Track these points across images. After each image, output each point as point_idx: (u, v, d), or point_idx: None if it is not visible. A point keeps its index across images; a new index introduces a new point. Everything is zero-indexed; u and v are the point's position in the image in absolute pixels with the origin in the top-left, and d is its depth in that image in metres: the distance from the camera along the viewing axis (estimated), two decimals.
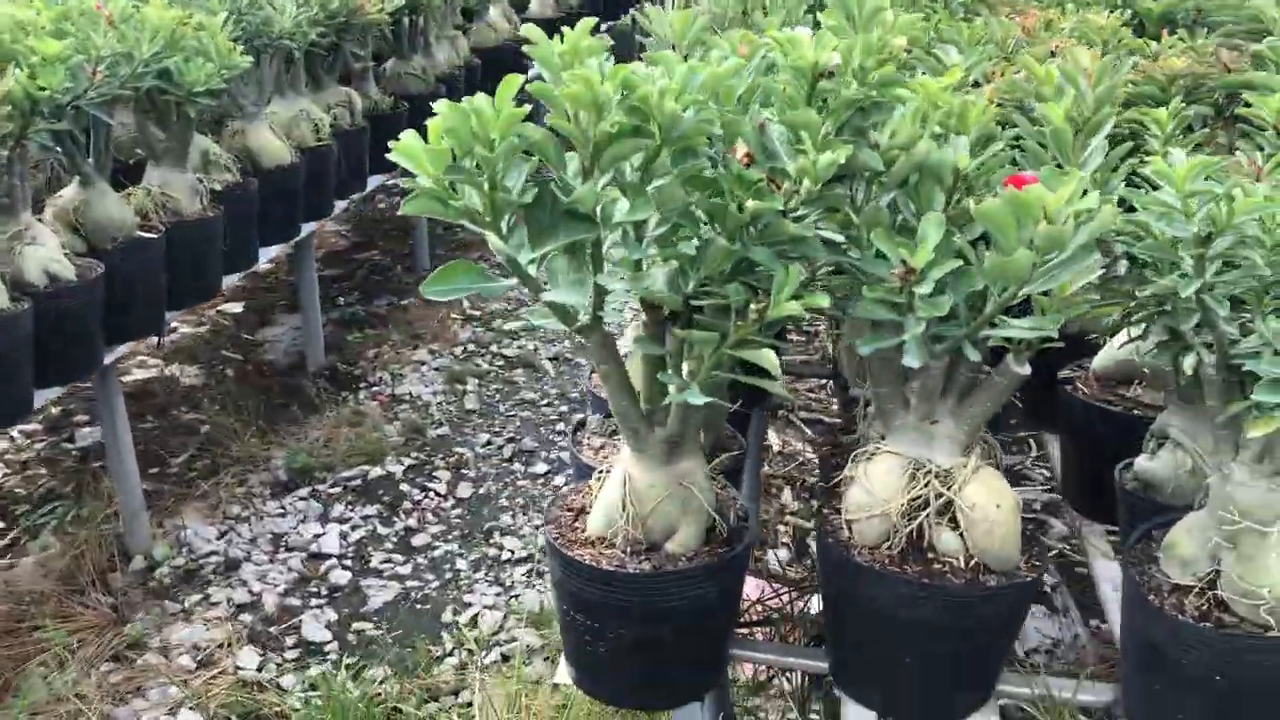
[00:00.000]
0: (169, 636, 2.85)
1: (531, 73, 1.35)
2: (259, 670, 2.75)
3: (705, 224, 1.38)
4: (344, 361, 4.36)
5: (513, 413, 4.08)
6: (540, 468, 3.70)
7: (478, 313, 4.87)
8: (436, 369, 4.36)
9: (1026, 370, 1.44)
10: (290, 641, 2.87)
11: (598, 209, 1.31)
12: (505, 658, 2.80)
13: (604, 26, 8.66)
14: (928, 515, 1.49)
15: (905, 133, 1.39)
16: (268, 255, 3.58)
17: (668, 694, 1.61)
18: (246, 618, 2.94)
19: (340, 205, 4.07)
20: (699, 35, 1.96)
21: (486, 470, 3.70)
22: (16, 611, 2.89)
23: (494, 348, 4.57)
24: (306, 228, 3.78)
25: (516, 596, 3.03)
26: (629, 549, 1.52)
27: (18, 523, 3.33)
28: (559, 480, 3.62)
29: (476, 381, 4.27)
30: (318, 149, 3.74)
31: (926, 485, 1.49)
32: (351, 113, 4.07)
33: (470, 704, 2.62)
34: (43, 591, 2.96)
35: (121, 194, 2.86)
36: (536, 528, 3.36)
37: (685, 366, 1.46)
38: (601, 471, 1.63)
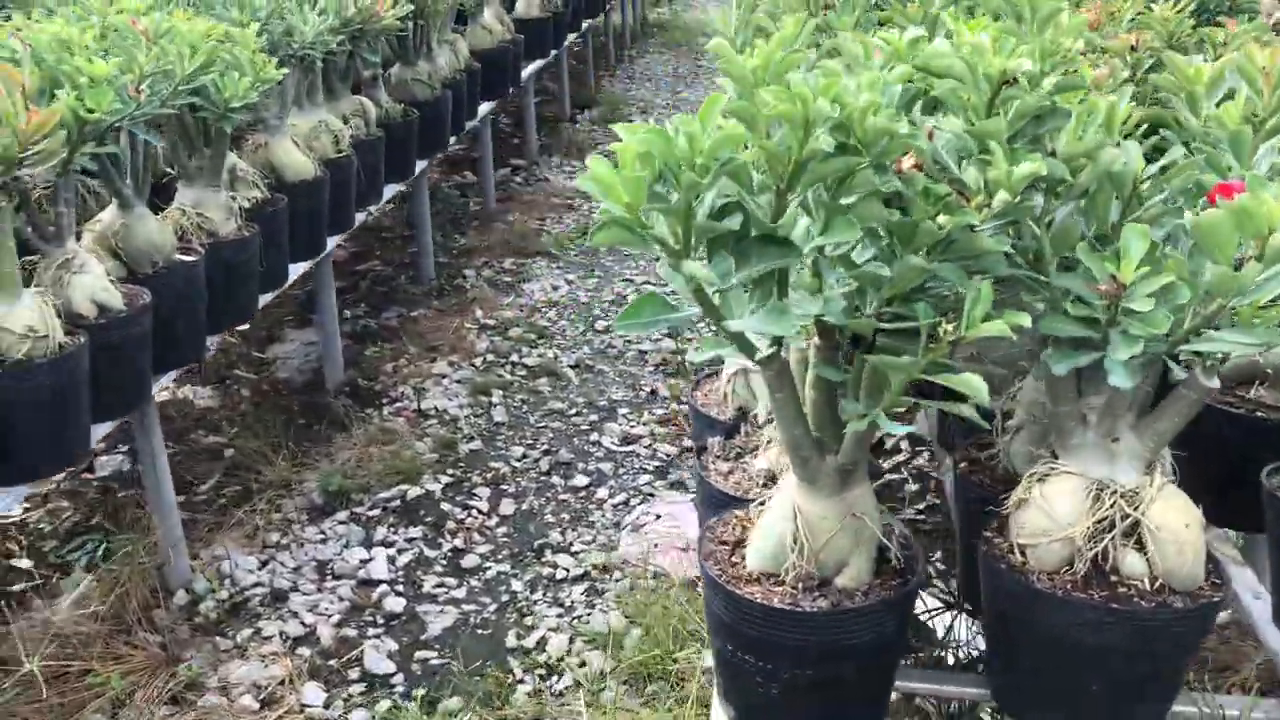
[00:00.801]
0: (227, 675, 2.74)
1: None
2: (326, 707, 2.65)
3: (885, 242, 1.31)
4: (363, 377, 4.24)
5: (543, 424, 3.99)
6: (580, 480, 3.62)
7: (492, 322, 4.77)
8: (459, 381, 4.25)
9: (1216, 384, 1.38)
10: (353, 675, 2.77)
11: (793, 233, 1.23)
12: (577, 682, 2.72)
13: (585, 25, 8.59)
14: (1113, 537, 1.43)
15: (1090, 139, 1.33)
16: (297, 272, 3.46)
17: None
18: (304, 651, 2.83)
19: (359, 218, 3.95)
20: (810, 38, 1.89)
21: (526, 485, 3.61)
22: (62, 654, 2.77)
23: (514, 357, 4.47)
24: (330, 242, 3.66)
25: (579, 618, 2.95)
26: (800, 585, 1.45)
27: (46, 560, 3.20)
28: (602, 493, 3.54)
29: (501, 393, 4.18)
30: (338, 160, 3.63)
31: (1112, 506, 1.43)
32: (366, 122, 3.96)
33: None
34: (87, 633, 2.83)
35: (158, 216, 2.73)
36: (588, 544, 3.28)
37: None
38: (758, 504, 1.56)
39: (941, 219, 1.26)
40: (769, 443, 1.77)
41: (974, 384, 1.25)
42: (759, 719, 1.53)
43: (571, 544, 3.29)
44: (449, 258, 5.50)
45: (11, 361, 2.14)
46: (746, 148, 1.20)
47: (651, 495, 3.52)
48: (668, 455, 3.75)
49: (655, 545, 3.21)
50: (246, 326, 4.65)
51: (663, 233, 1.18)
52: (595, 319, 4.86)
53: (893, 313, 1.32)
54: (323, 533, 3.34)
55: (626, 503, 3.49)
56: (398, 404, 4.08)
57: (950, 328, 1.28)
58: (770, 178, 1.22)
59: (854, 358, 1.40)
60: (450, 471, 3.66)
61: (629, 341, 4.64)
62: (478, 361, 4.42)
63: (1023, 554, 1.49)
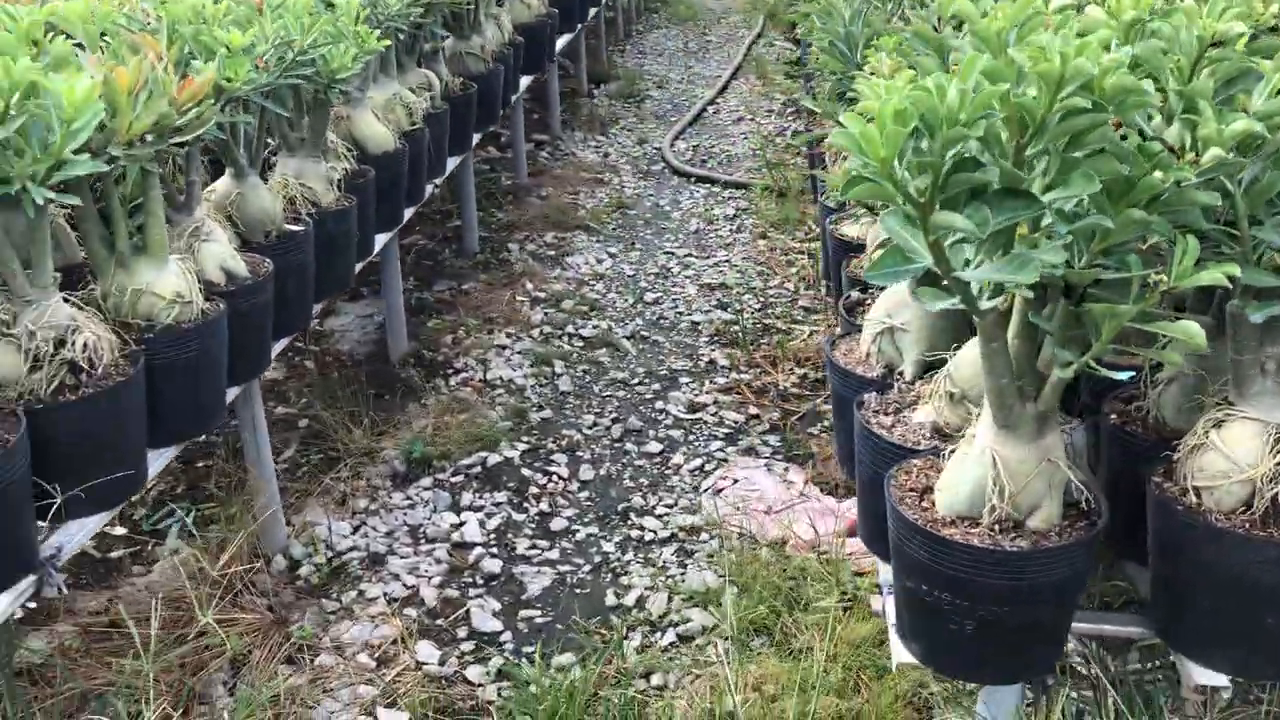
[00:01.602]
0: (339, 635, 2.81)
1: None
2: (441, 664, 2.72)
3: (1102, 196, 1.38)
4: (426, 348, 4.29)
5: (608, 393, 4.06)
6: (653, 447, 3.69)
7: (543, 295, 4.83)
8: (520, 353, 4.31)
9: None
10: (462, 633, 2.84)
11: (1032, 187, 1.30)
12: (681, 638, 2.80)
13: (591, 12, 8.60)
14: None
15: None
16: (380, 242, 3.51)
17: (1027, 666, 1.62)
18: (411, 612, 2.90)
19: (427, 190, 3.99)
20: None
21: (600, 452, 3.68)
22: (174, 617, 2.82)
23: (569, 329, 4.53)
24: (407, 213, 3.71)
25: (673, 577, 3.03)
26: (998, 526, 1.53)
27: (137, 527, 3.25)
28: (676, 459, 3.61)
29: (563, 363, 4.24)
30: (412, 132, 3.67)
31: None
32: (432, 95, 4.00)
33: (663, 687, 2.62)
34: (194, 597, 2.89)
35: (267, 186, 2.78)
36: (671, 508, 3.36)
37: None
38: (945, 451, 1.63)
39: (1158, 174, 1.33)
40: (930, 396, 1.84)
41: (1191, 330, 1.33)
42: (948, 654, 1.62)
43: (654, 507, 3.37)
44: (489, 232, 5.54)
45: (161, 326, 2.19)
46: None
47: (725, 460, 3.60)
48: (735, 422, 3.83)
49: (737, 508, 3.29)
50: None
51: (920, 186, 1.25)
52: (643, 291, 4.93)
53: (1101, 264, 1.40)
54: (409, 498, 3.40)
55: (702, 468, 3.57)
56: (463, 374, 4.13)
57: (1163, 277, 1.35)
58: (1010, 134, 1.29)
59: (1056, 309, 1.47)
60: (525, 439, 3.72)
61: (680, 313, 4.71)
62: (535, 333, 4.48)
63: (1198, 495, 1.58)
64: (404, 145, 3.52)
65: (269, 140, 2.90)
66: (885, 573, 1.82)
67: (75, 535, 1.97)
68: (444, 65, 4.29)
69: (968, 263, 1.37)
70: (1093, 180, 1.27)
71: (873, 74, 2.30)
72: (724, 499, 3.35)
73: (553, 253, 5.33)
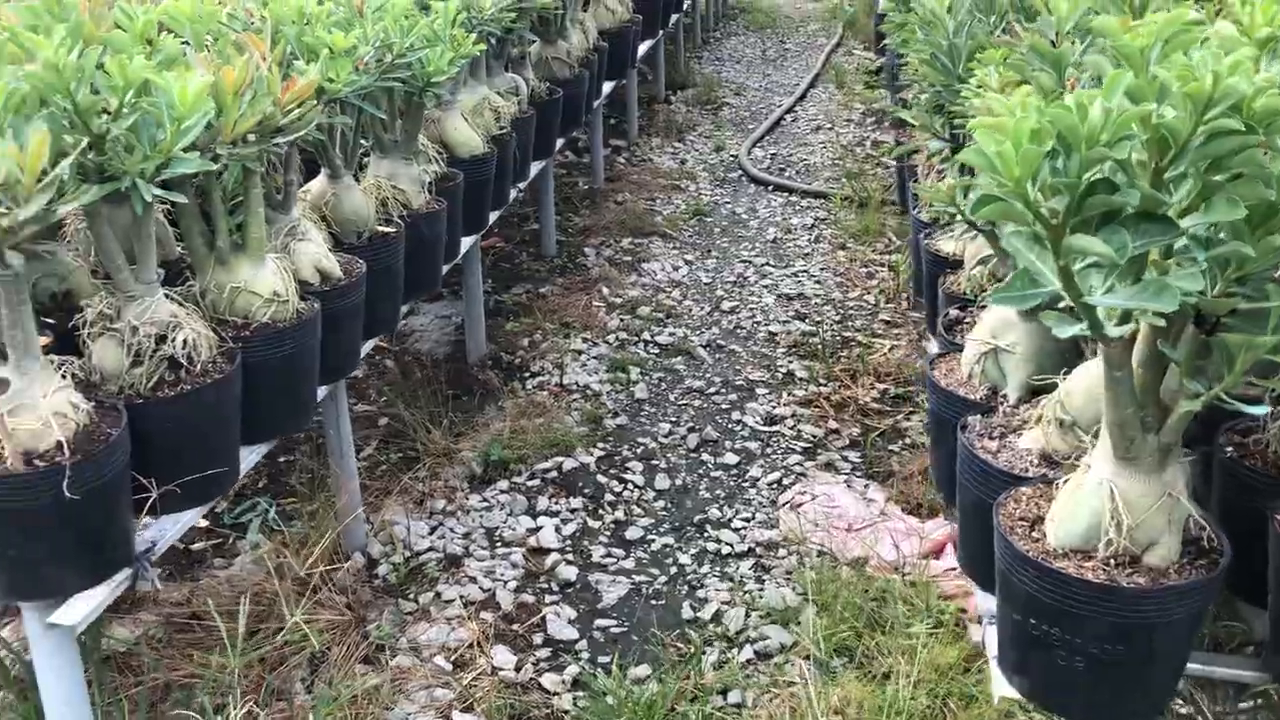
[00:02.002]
0: (415, 637, 2.81)
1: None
2: (517, 670, 2.71)
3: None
4: (503, 351, 4.30)
5: (683, 402, 4.03)
6: (730, 459, 3.65)
7: (619, 300, 4.81)
8: (596, 358, 4.30)
9: None
10: (538, 639, 2.83)
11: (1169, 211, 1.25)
12: (759, 655, 2.76)
13: (686, 4, 8.60)
14: None
15: None
16: (466, 245, 3.52)
17: (1138, 708, 1.56)
18: (487, 616, 2.90)
19: (511, 194, 4.00)
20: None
21: (676, 461, 3.65)
22: (254, 612, 2.85)
23: (645, 336, 4.51)
24: (491, 217, 3.72)
25: (750, 593, 2.99)
26: (1113, 562, 1.47)
27: (219, 520, 3.29)
28: (754, 471, 3.57)
29: (639, 370, 4.22)
30: (500, 137, 3.68)
31: None
32: (519, 99, 4.01)
33: (741, 705, 2.58)
34: (274, 591, 2.91)
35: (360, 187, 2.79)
36: (748, 521, 3.32)
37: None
38: (1057, 480, 1.58)
39: None
40: (1038, 421, 1.79)
41: None
42: (1055, 691, 1.56)
43: (731, 520, 3.33)
44: (566, 236, 5.55)
45: (258, 324, 2.20)
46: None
47: (803, 475, 3.55)
48: (814, 436, 3.78)
49: (816, 524, 3.25)
50: None
51: (1054, 207, 1.21)
52: (720, 299, 4.89)
53: (1237, 293, 1.34)
54: (486, 500, 3.40)
55: (779, 481, 3.52)
56: (539, 378, 4.13)
57: None
58: (1150, 155, 1.24)
59: (1185, 339, 1.41)
60: (601, 445, 3.71)
61: (758, 323, 4.66)
62: (611, 339, 4.47)
63: None
64: (491, 149, 3.53)
65: (363, 141, 2.92)
66: (985, 601, 1.77)
67: (169, 530, 1.99)
68: (530, 70, 4.30)
69: (1093, 288, 1.32)
70: (1237, 206, 1.22)
71: (980, 88, 2.25)
72: (803, 514, 3.31)
73: (629, 258, 5.32)
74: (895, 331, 4.57)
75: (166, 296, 2.02)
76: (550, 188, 5.12)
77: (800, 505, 3.36)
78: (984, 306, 2.33)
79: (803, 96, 8.49)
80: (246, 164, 2.10)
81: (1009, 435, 1.83)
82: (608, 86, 5.54)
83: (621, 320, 4.63)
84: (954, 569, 2.96)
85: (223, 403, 2.02)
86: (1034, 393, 1.92)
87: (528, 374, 4.17)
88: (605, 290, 4.90)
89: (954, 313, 2.34)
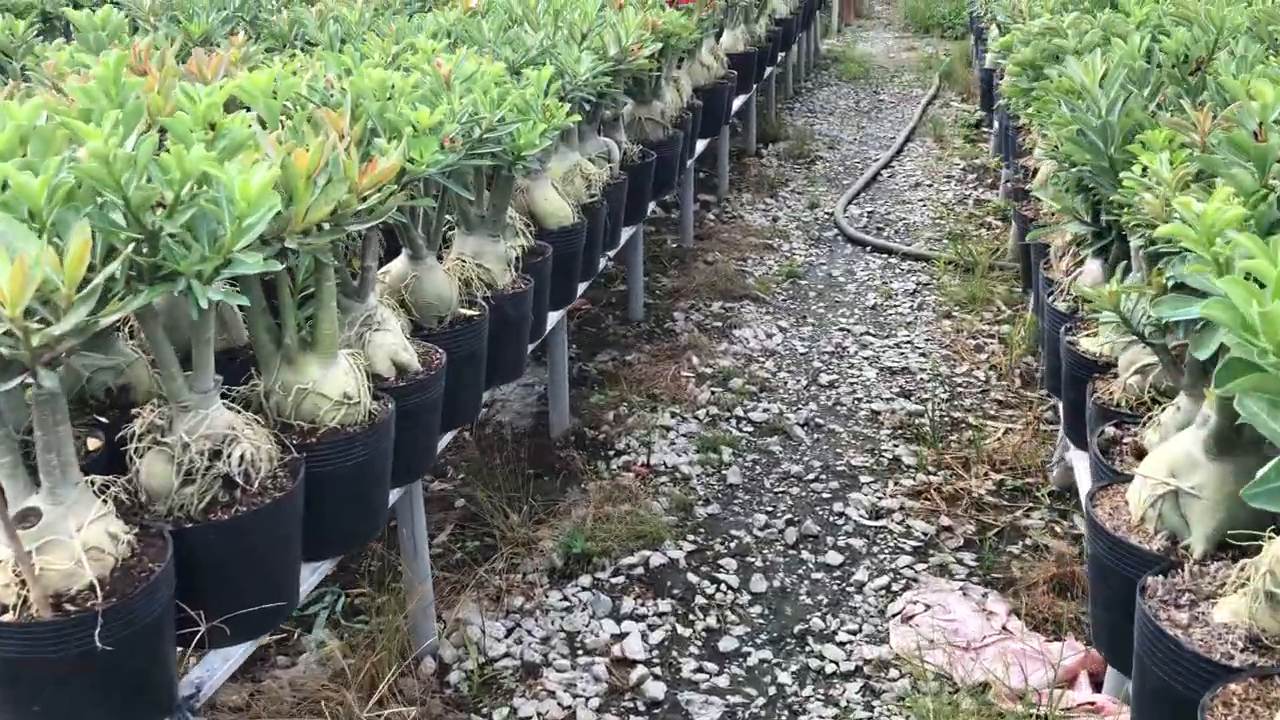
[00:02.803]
0: None
1: None
2: None
3: None
4: (587, 425, 4.07)
5: (780, 489, 3.75)
6: (833, 558, 3.35)
7: (709, 371, 4.56)
8: (685, 436, 4.04)
9: None
10: None
11: None
12: None
13: (780, 56, 8.39)
14: None
15: None
16: (553, 321, 3.30)
17: None
18: None
19: (601, 263, 3.78)
20: None
21: (774, 559, 3.36)
22: None
23: (738, 411, 4.24)
24: (580, 288, 3.50)
25: None
26: None
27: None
28: (859, 575, 3.26)
29: (731, 451, 3.95)
30: (591, 205, 3.47)
31: None
32: (611, 164, 3.79)
33: None
34: (340, 701, 2.68)
35: (444, 268, 2.59)
36: (854, 634, 3.02)
37: None
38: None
39: None
40: (1237, 590, 1.48)
41: None
42: None
43: (835, 632, 3.03)
44: (653, 298, 5.32)
45: (326, 430, 1.99)
46: None
47: (914, 580, 3.24)
48: (924, 534, 3.46)
49: (931, 640, 2.93)
50: None
51: None
52: (817, 372, 4.61)
53: None
54: (567, 599, 3.15)
55: (888, 587, 3.21)
56: (625, 457, 3.89)
57: None
58: None
59: None
60: (691, 538, 3.44)
61: (859, 400, 4.37)
62: (701, 414, 4.21)
63: None
64: (581, 220, 3.32)
65: (447, 217, 2.72)
66: None
67: (217, 671, 1.77)
68: (623, 132, 4.09)
69: None
70: None
71: (1146, 175, 1.96)
72: (915, 628, 2.99)
73: (719, 324, 5.06)
74: (1009, 413, 4.24)
75: (225, 405, 1.81)
76: (639, 249, 4.90)
77: (912, 617, 3.05)
78: (1145, 424, 2.02)
79: (899, 151, 8.20)
80: (318, 256, 1.89)
81: (1200, 604, 1.53)
82: (701, 144, 5.32)
83: (712, 393, 4.37)
84: (1092, 704, 2.63)
85: (282, 526, 1.81)
86: (1224, 546, 1.62)
87: (612, 452, 3.92)
88: (695, 359, 4.65)
89: (1111, 431, 2.04)
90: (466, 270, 2.67)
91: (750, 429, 4.14)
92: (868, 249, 6.14)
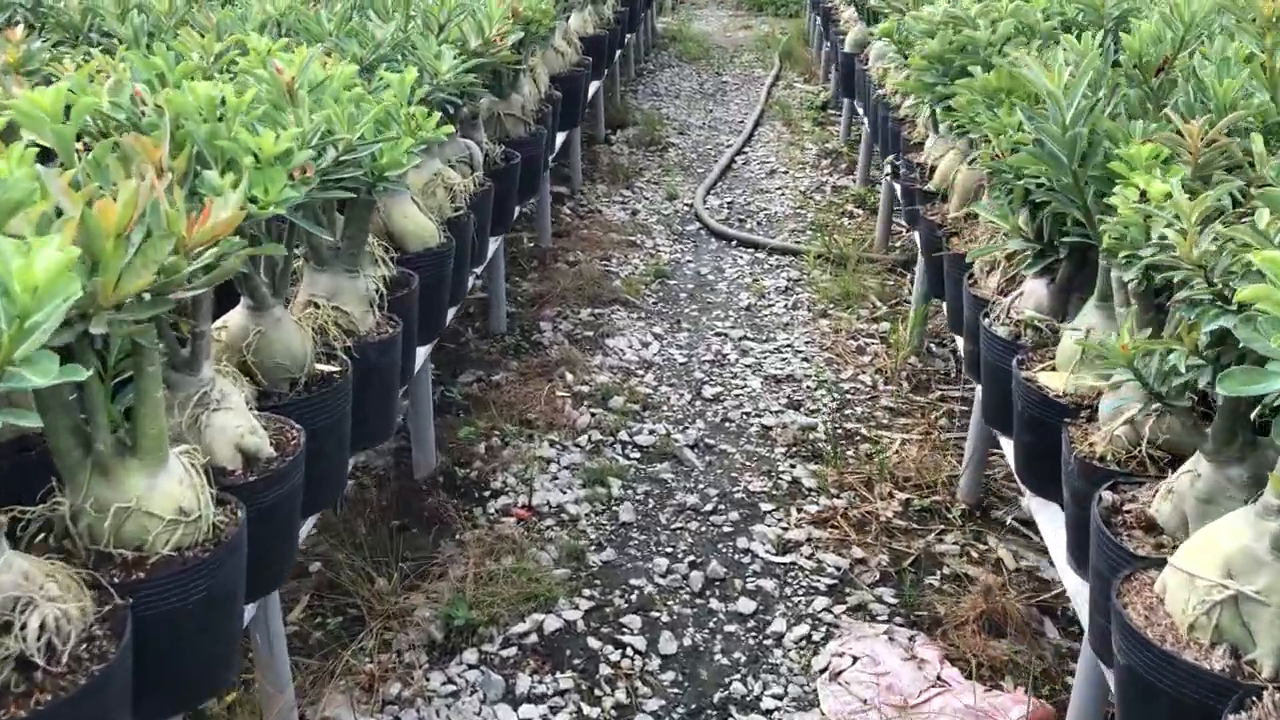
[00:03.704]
0: None
1: None
2: None
3: None
4: (457, 463, 3.63)
5: (678, 525, 3.41)
6: (745, 605, 3.03)
7: (586, 389, 4.17)
8: (568, 468, 3.66)
9: None
10: None
11: None
12: None
13: (628, 39, 8.02)
14: None
15: None
16: (421, 358, 2.86)
17: None
18: None
19: (470, 282, 3.34)
20: None
21: (681, 611, 3.02)
22: None
23: (622, 435, 3.88)
24: (450, 314, 3.06)
25: None
26: None
27: None
28: (776, 624, 2.95)
29: (620, 483, 3.58)
30: (456, 219, 3.02)
31: None
32: (473, 168, 3.35)
33: None
34: None
35: (294, 317, 2.12)
36: (780, 699, 2.70)
37: None
38: None
39: None
40: None
41: None
42: None
43: (759, 697, 2.71)
44: (517, 307, 4.89)
45: (158, 559, 1.52)
46: None
47: (835, 626, 2.95)
48: (837, 569, 3.18)
49: (864, 702, 2.65)
50: None
51: None
52: (700, 384, 4.29)
53: None
54: (452, 681, 2.73)
55: (808, 637, 2.91)
56: (503, 498, 3.47)
57: None
58: None
59: None
60: (587, 592, 3.06)
61: (747, 414, 4.07)
62: (582, 441, 3.82)
63: None
64: (448, 239, 2.88)
65: (295, 249, 2.25)
66: None
67: None
68: (483, 131, 3.64)
69: None
70: None
71: (1146, 200, 1.69)
72: (845, 686, 2.70)
73: (591, 333, 4.68)
74: (902, 421, 4.01)
75: (17, 554, 1.32)
76: (501, 258, 4.47)
77: (841, 673, 2.76)
78: (1151, 489, 1.75)
79: (750, 136, 7.96)
80: (135, 337, 1.42)
81: None
82: (561, 138, 4.91)
83: (593, 415, 3.99)
84: None
85: (101, 705, 1.34)
86: None
87: (488, 492, 3.50)
88: (569, 376, 4.26)
89: (1109, 497, 1.76)
90: (322, 316, 2.21)
91: (637, 455, 3.78)
92: (733, 244, 5.86)
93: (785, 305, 5.09)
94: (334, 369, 2.14)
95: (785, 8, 13.86)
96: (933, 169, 3.57)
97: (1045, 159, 2.04)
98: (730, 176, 7.10)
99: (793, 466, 3.72)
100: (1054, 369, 2.22)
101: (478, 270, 3.50)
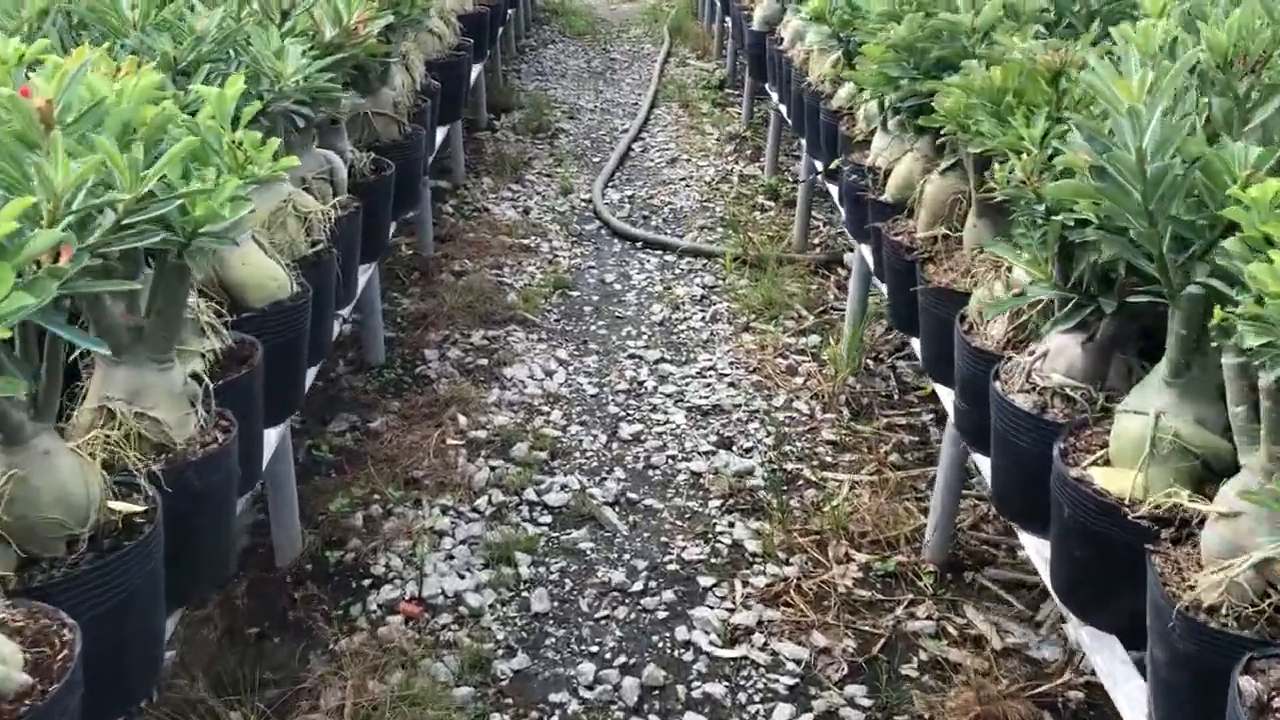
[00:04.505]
0: None
1: None
2: None
3: None
4: (328, 545, 2.98)
5: (603, 613, 2.83)
6: None
7: (482, 435, 3.56)
8: (465, 542, 3.05)
9: None
10: None
11: None
12: None
13: (509, 15, 7.35)
14: None
15: None
16: (271, 446, 2.21)
17: None
18: None
19: (335, 331, 2.70)
20: None
21: None
22: None
23: (529, 493, 3.28)
24: (308, 378, 2.42)
25: None
26: None
27: None
28: None
29: (530, 559, 2.99)
30: (315, 257, 2.38)
31: None
32: (335, 186, 2.70)
33: None
34: None
35: (69, 443, 1.47)
36: None
37: None
38: None
39: None
40: None
41: None
42: None
43: None
44: (396, 330, 4.23)
45: None
46: None
47: None
48: (798, 662, 2.66)
49: None
50: None
51: None
52: (616, 421, 3.72)
53: None
54: None
55: None
56: (386, 588, 2.85)
57: None
58: None
59: None
60: (496, 718, 2.47)
61: (673, 458, 3.51)
62: (481, 504, 3.22)
63: None
64: (303, 287, 2.23)
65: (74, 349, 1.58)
66: None
67: None
68: (346, 139, 2.98)
69: None
70: None
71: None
72: None
73: (484, 360, 4.06)
74: (848, 459, 3.51)
75: None
76: (377, 284, 3.80)
77: None
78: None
79: (646, 120, 7.38)
80: None
81: None
82: (441, 133, 4.25)
83: (492, 469, 3.38)
84: None
85: None
86: None
87: (368, 581, 2.87)
88: (461, 418, 3.64)
89: (1250, 688, 1.25)
90: (120, 428, 1.56)
91: (548, 519, 3.19)
92: (639, 245, 5.28)
93: (703, 318, 4.54)
94: (136, 509, 1.49)
95: None
96: (886, 174, 3.05)
97: (1111, 193, 1.51)
98: (628, 166, 6.51)
99: (731, 525, 3.18)
100: (1107, 461, 1.71)
101: (346, 310, 2.85)
